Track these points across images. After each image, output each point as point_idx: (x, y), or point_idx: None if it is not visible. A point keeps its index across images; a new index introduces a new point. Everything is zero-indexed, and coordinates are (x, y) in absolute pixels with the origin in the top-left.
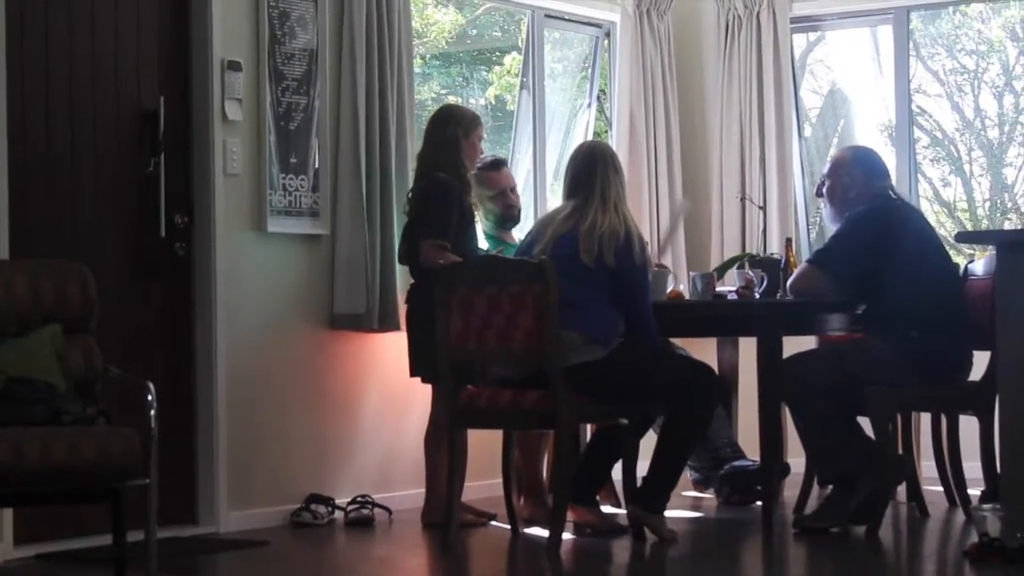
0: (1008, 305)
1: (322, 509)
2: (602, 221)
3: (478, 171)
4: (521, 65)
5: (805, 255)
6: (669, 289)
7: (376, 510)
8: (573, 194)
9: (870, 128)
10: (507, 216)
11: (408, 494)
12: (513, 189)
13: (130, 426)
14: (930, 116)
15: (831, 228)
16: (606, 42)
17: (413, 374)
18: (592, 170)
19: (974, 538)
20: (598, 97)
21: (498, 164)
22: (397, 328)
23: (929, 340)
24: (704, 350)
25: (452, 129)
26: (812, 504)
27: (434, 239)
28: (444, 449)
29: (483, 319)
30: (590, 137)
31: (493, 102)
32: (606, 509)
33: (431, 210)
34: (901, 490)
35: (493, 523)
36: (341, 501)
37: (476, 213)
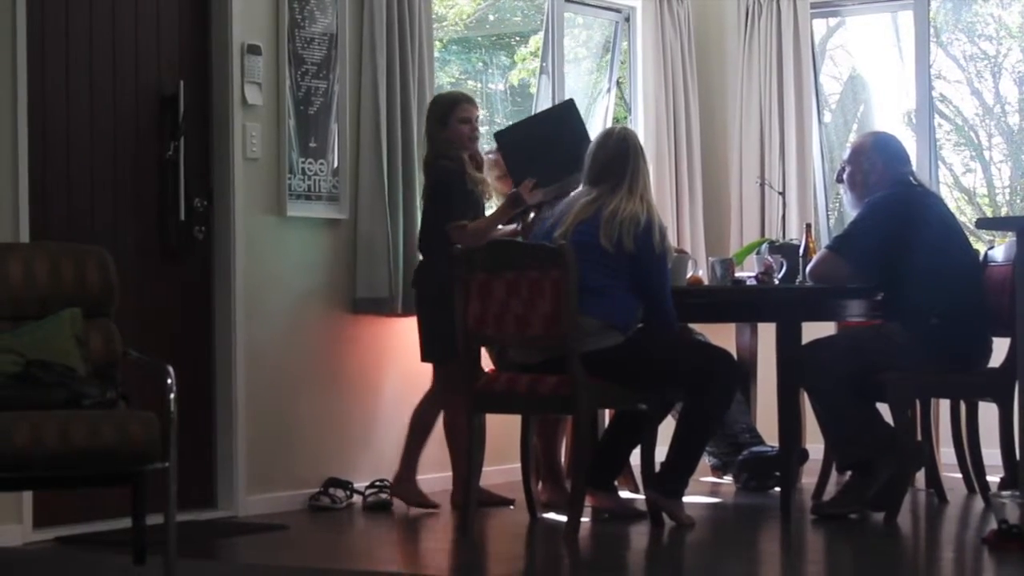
0: None
1: (340, 493)
2: (624, 207)
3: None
4: (541, 50)
5: (824, 241)
6: (689, 275)
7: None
8: (600, 180)
9: (890, 114)
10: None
11: (427, 478)
12: None
13: (150, 410)
14: (950, 102)
15: (851, 214)
16: (626, 27)
17: (425, 359)
18: (624, 159)
19: (993, 525)
20: (618, 82)
21: None
22: None
23: (949, 326)
24: (723, 336)
25: (430, 123)
26: (831, 490)
27: (452, 223)
28: (428, 422)
29: (502, 304)
30: (609, 122)
31: (516, 85)
32: (624, 494)
33: (436, 200)
34: (920, 477)
35: (512, 511)
36: (359, 485)
37: (486, 194)
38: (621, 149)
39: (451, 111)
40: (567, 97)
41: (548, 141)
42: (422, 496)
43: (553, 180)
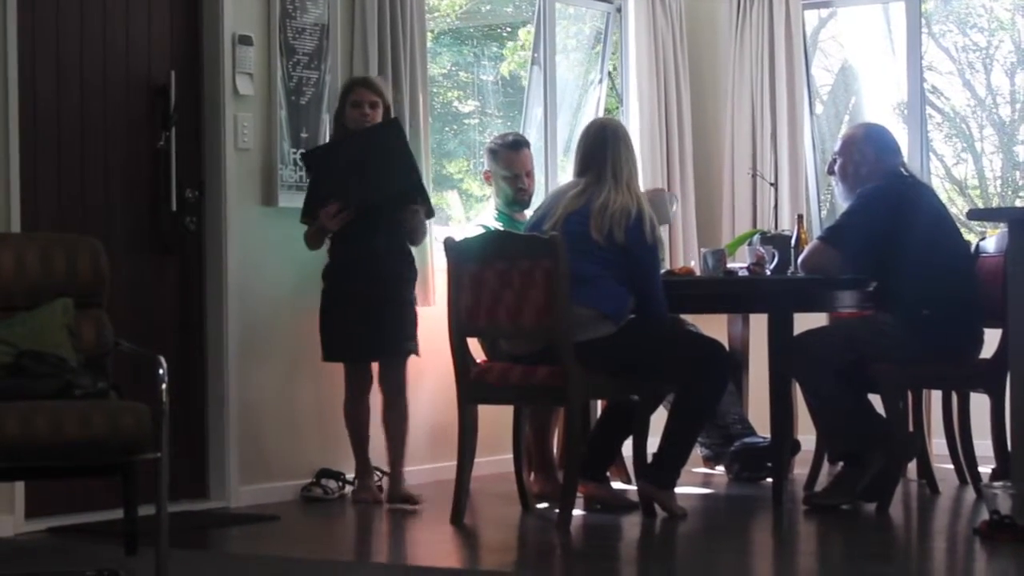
0: (1019, 282)
1: (332, 484)
2: (614, 199)
3: (498, 147)
4: (532, 41)
5: (816, 232)
6: (672, 209)
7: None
8: (584, 171)
9: (882, 106)
10: (516, 199)
11: (418, 469)
12: (529, 173)
13: (141, 400)
14: (942, 94)
15: (843, 206)
16: (618, 18)
17: (327, 358)
18: (603, 148)
19: (985, 516)
20: (609, 73)
21: (518, 145)
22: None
23: (940, 317)
24: (715, 327)
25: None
26: (822, 481)
27: (304, 218)
28: (352, 418)
29: (493, 295)
30: (601, 114)
31: (507, 76)
32: (616, 485)
33: None
34: (911, 468)
35: (504, 502)
36: (351, 476)
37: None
38: (599, 138)
39: (347, 94)
40: (558, 89)
41: (358, 162)
42: (375, 494)
43: (361, 201)
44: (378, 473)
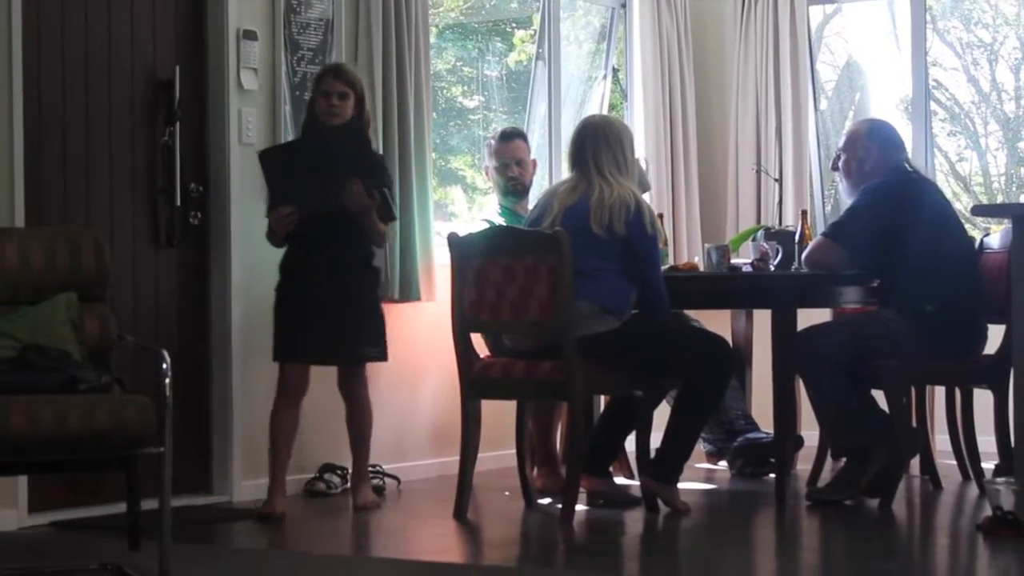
0: (1023, 278)
1: (335, 479)
2: (610, 193)
3: (492, 140)
4: (537, 36)
5: (820, 228)
6: (649, 176)
7: (386, 480)
8: (572, 168)
9: (886, 101)
10: (509, 189)
11: (421, 464)
12: (519, 162)
13: (145, 394)
14: (946, 89)
15: (847, 202)
16: (623, 13)
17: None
18: (583, 145)
19: (988, 512)
20: (614, 69)
21: (507, 135)
22: (417, 298)
23: (944, 313)
24: (718, 322)
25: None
26: (825, 477)
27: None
28: (277, 423)
29: (497, 290)
30: (605, 109)
31: (512, 67)
32: (619, 480)
33: None
34: (915, 463)
35: (507, 497)
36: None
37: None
38: (580, 135)
39: (318, 81)
40: (563, 85)
41: (316, 165)
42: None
43: (317, 205)
44: (375, 469)
